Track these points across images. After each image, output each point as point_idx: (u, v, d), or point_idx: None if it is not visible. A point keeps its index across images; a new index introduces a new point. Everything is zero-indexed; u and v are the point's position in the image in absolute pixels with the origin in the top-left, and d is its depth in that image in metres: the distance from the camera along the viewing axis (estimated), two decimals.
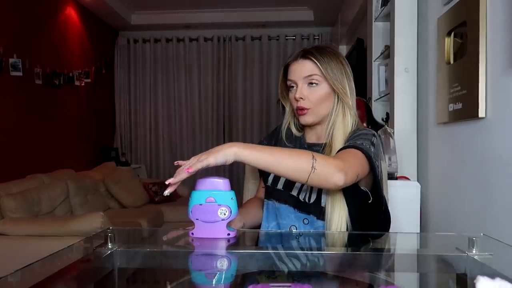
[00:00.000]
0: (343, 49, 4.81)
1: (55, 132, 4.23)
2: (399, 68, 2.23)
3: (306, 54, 1.18)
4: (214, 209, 0.94)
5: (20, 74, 3.57)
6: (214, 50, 6.03)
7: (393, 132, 2.14)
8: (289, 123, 1.31)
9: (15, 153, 3.56)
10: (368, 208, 1.16)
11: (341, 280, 0.84)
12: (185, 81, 6.02)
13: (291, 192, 1.20)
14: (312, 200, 1.18)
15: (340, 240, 1.09)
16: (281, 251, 0.93)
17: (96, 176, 4.21)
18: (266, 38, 5.94)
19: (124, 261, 0.86)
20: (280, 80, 1.27)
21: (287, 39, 5.92)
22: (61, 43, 4.40)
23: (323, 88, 1.17)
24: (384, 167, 1.41)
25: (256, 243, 1.06)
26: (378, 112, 2.75)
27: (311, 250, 0.98)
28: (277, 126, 1.36)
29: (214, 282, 0.80)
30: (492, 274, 0.56)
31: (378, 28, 2.82)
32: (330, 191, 1.12)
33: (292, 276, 0.84)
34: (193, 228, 0.96)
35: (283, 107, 1.30)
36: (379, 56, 2.74)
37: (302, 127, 1.30)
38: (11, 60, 3.48)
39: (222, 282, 0.81)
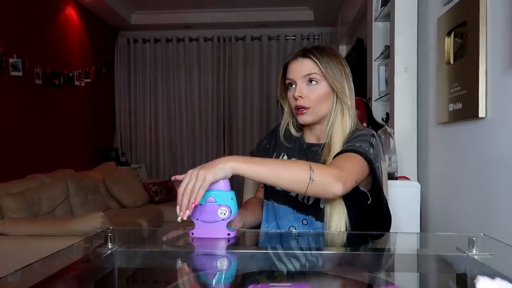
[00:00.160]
0: (343, 49, 4.81)
1: (55, 132, 4.24)
2: (399, 68, 2.23)
3: (306, 52, 1.18)
4: (214, 209, 0.94)
5: (20, 74, 3.57)
6: (214, 50, 6.03)
7: (393, 132, 2.14)
8: (287, 124, 1.30)
9: (15, 153, 3.56)
10: (368, 209, 1.15)
11: (341, 280, 0.84)
12: (185, 81, 6.02)
13: (289, 192, 1.20)
14: (311, 201, 1.18)
15: (340, 240, 1.09)
16: (281, 251, 0.93)
17: (96, 176, 4.21)
18: (266, 38, 5.94)
19: (124, 261, 0.86)
20: (280, 80, 1.26)
21: (287, 39, 5.92)
22: (61, 43, 4.40)
23: (322, 87, 1.17)
24: (384, 167, 1.41)
25: (256, 243, 1.06)
26: (378, 112, 2.75)
27: (311, 250, 0.98)
28: (277, 125, 1.35)
29: (214, 282, 0.80)
30: (492, 274, 0.56)
31: (378, 28, 2.82)
32: None
33: (292, 276, 0.84)
34: (193, 228, 0.96)
35: (282, 107, 1.30)
36: (379, 56, 2.74)
37: (301, 127, 1.30)
38: (11, 60, 3.48)
39: (222, 282, 0.81)
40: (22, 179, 3.27)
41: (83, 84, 4.74)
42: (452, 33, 1.85)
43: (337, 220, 1.10)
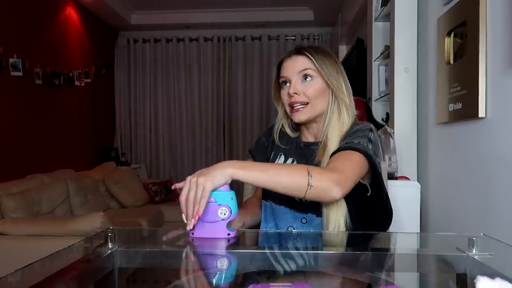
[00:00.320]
0: (343, 49, 4.81)
1: (55, 132, 4.24)
2: (399, 68, 2.23)
3: (300, 50, 1.18)
4: (214, 209, 0.94)
5: (20, 74, 3.57)
6: (214, 50, 6.03)
7: (393, 132, 2.14)
8: (282, 126, 1.29)
9: (15, 153, 3.56)
10: (368, 201, 1.14)
11: (341, 280, 0.84)
12: (185, 81, 6.03)
13: None
14: (308, 200, 1.17)
15: (340, 239, 1.09)
16: (281, 251, 0.93)
17: (96, 176, 4.21)
18: (266, 38, 5.94)
19: (124, 261, 0.86)
20: (274, 80, 1.25)
21: (287, 39, 5.92)
22: (61, 43, 4.41)
23: (317, 83, 1.16)
24: (384, 167, 1.41)
25: (256, 243, 1.06)
26: (378, 112, 2.75)
27: (311, 249, 0.98)
28: (274, 123, 1.33)
29: (214, 282, 0.80)
30: (492, 274, 0.56)
31: (378, 28, 2.82)
32: None
33: (292, 276, 0.84)
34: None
35: None
36: (379, 56, 2.74)
37: (297, 127, 1.28)
38: (11, 60, 3.48)
39: (222, 282, 0.81)
40: (22, 179, 3.27)
41: (83, 84, 4.74)
42: (452, 33, 1.85)
43: (336, 214, 1.09)
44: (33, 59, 3.79)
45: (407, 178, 2.13)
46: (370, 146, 1.08)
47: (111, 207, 4.29)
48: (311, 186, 0.95)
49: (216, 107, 6.05)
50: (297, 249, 0.97)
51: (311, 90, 1.15)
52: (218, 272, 0.85)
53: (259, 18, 5.56)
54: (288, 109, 1.20)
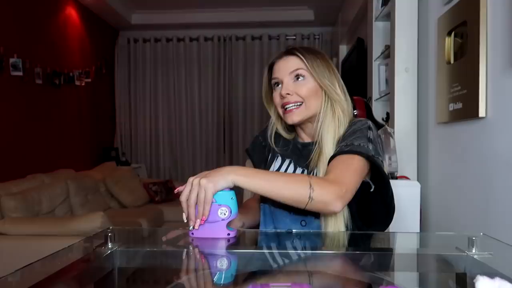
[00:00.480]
0: (344, 49, 4.81)
1: (56, 132, 4.24)
2: (399, 67, 2.23)
3: (291, 50, 1.17)
4: (214, 209, 0.94)
5: (21, 74, 3.57)
6: (215, 50, 6.03)
7: (393, 132, 2.14)
8: (276, 129, 1.27)
9: (15, 153, 3.56)
10: (370, 198, 1.12)
11: (341, 279, 0.84)
12: (185, 81, 6.03)
13: None
14: None
15: (339, 239, 1.09)
16: (281, 251, 0.93)
17: (96, 176, 4.21)
18: (267, 37, 5.94)
19: (124, 260, 0.86)
20: (265, 82, 1.24)
21: (287, 38, 5.92)
22: (61, 43, 4.41)
23: (309, 82, 1.14)
24: (384, 166, 1.40)
25: (256, 243, 1.06)
26: (378, 112, 2.75)
27: (310, 249, 0.98)
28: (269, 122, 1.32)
29: (214, 282, 0.80)
30: (492, 274, 0.56)
31: (378, 27, 2.82)
32: None
33: (292, 276, 0.84)
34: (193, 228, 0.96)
35: None
36: (380, 55, 2.74)
37: (291, 128, 1.27)
38: (11, 60, 3.48)
39: (222, 281, 0.81)
40: (22, 178, 3.28)
41: (83, 84, 4.74)
42: (453, 33, 1.85)
43: (335, 219, 1.08)
44: (34, 58, 3.79)
45: (407, 178, 2.13)
46: (370, 146, 1.07)
47: (111, 207, 4.30)
48: (312, 199, 0.95)
49: (216, 107, 6.05)
50: (297, 249, 0.97)
51: (304, 89, 1.14)
52: (218, 272, 0.85)
53: (259, 17, 5.56)
54: (281, 110, 1.18)
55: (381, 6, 2.66)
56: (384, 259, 0.92)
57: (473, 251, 0.80)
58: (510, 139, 1.44)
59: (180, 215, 0.97)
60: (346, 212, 1.11)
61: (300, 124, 1.21)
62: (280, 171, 1.21)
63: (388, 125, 2.21)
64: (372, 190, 1.11)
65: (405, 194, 1.96)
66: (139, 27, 5.79)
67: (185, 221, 0.95)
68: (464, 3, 1.73)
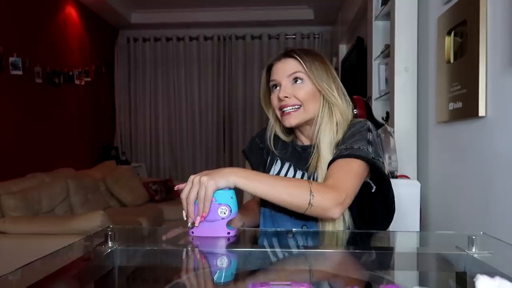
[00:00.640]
0: (343, 48, 4.80)
1: (55, 131, 4.24)
2: (399, 67, 2.23)
3: (289, 52, 1.17)
4: (214, 208, 0.94)
5: (20, 73, 3.57)
6: (214, 49, 6.03)
7: (393, 131, 2.14)
8: (275, 132, 1.27)
9: (15, 152, 3.56)
10: (370, 199, 1.12)
11: (341, 278, 0.84)
12: (185, 80, 6.03)
13: None
14: None
15: (339, 238, 1.09)
16: (281, 250, 0.94)
17: (96, 175, 4.21)
18: (266, 37, 5.94)
19: (124, 259, 0.86)
20: (263, 84, 1.23)
21: (287, 38, 5.92)
22: (61, 42, 4.40)
23: (307, 86, 1.14)
24: (385, 168, 1.40)
25: (256, 242, 1.06)
26: (378, 111, 2.75)
27: (310, 248, 0.98)
28: (266, 126, 1.31)
29: (214, 281, 0.80)
30: (492, 273, 0.56)
31: (378, 27, 2.82)
32: None
33: (292, 275, 0.84)
34: (193, 226, 0.96)
35: None
36: (379, 55, 2.74)
37: (290, 130, 1.26)
38: (11, 59, 3.48)
39: (222, 280, 0.81)
40: (22, 177, 3.28)
41: (83, 83, 4.74)
42: (452, 32, 1.85)
43: (334, 224, 1.09)
44: (33, 58, 3.79)
45: (407, 177, 2.13)
46: (370, 149, 1.06)
47: (111, 206, 4.30)
48: (311, 205, 0.96)
49: (216, 106, 6.05)
50: (297, 247, 0.97)
51: (302, 92, 1.13)
52: (218, 271, 0.85)
53: (259, 17, 5.56)
54: (278, 113, 1.18)
55: (381, 6, 2.66)
56: (384, 258, 0.92)
57: (473, 250, 0.80)
58: (510, 138, 1.44)
59: (180, 214, 0.97)
60: (347, 214, 1.11)
61: (298, 127, 1.20)
62: (280, 174, 1.21)
63: (388, 125, 2.21)
64: (373, 190, 1.11)
65: (405, 193, 1.96)
66: (139, 26, 5.79)
67: (185, 218, 0.95)
68: (464, 2, 1.73)
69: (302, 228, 1.16)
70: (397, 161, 2.04)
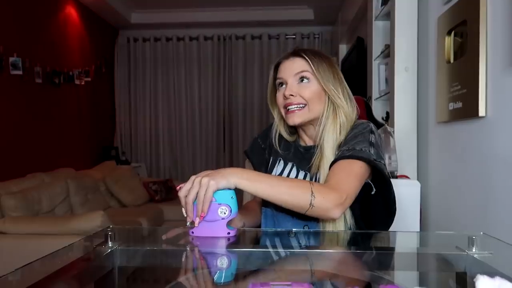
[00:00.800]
0: (343, 48, 4.81)
1: (55, 131, 4.24)
2: (399, 67, 2.23)
3: (298, 51, 1.17)
4: (214, 208, 0.94)
5: (20, 73, 3.57)
6: (214, 49, 6.03)
7: (393, 131, 2.14)
8: (279, 131, 1.27)
9: (15, 152, 3.56)
10: (371, 200, 1.13)
11: (341, 278, 0.84)
12: (185, 80, 6.03)
13: None
14: None
15: (340, 238, 1.09)
16: (281, 250, 0.94)
17: (96, 175, 4.21)
18: (266, 37, 5.94)
19: (124, 259, 0.86)
20: (270, 82, 1.24)
21: (287, 38, 5.92)
22: (61, 42, 4.40)
23: (314, 85, 1.14)
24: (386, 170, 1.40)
25: (257, 242, 1.06)
26: (378, 111, 2.75)
27: (311, 248, 0.98)
28: (271, 124, 1.31)
29: (214, 281, 0.80)
30: (492, 273, 0.56)
31: (378, 27, 2.82)
32: None
33: (292, 275, 0.84)
34: (193, 227, 0.96)
35: None
36: (379, 55, 2.74)
37: (293, 130, 1.27)
38: (11, 59, 3.48)
39: (222, 280, 0.81)
40: (22, 178, 3.28)
41: (83, 83, 4.74)
42: (452, 32, 1.85)
43: (334, 225, 1.09)
44: (33, 58, 3.79)
45: (407, 177, 2.12)
46: (372, 151, 1.07)
47: (111, 206, 4.30)
48: (312, 206, 0.97)
49: (216, 106, 6.05)
50: (297, 247, 0.97)
51: (308, 92, 1.14)
52: (218, 271, 0.85)
53: (259, 17, 5.56)
54: (283, 111, 1.18)
55: (381, 6, 2.66)
56: (384, 258, 0.92)
57: (473, 250, 0.80)
58: (510, 138, 1.44)
59: (180, 213, 0.97)
60: (348, 215, 1.11)
61: (302, 126, 1.21)
62: (283, 175, 1.22)
63: (388, 125, 2.21)
64: (373, 193, 1.12)
65: (405, 193, 1.96)
66: (139, 26, 5.79)
67: (185, 215, 0.95)
68: (464, 2, 1.73)
69: (303, 228, 1.16)
70: (397, 161, 2.04)
